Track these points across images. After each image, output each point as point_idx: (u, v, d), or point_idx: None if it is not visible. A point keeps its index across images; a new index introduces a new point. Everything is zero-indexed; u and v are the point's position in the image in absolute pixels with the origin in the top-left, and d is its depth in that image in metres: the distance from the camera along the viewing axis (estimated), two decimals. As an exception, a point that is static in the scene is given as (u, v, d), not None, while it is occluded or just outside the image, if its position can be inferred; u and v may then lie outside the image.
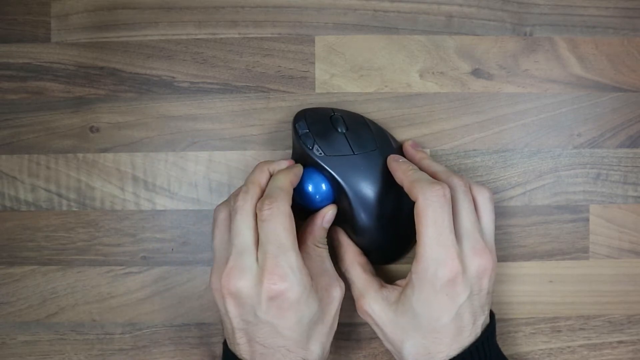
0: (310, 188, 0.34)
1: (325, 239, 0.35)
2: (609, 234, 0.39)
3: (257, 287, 0.30)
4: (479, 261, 0.31)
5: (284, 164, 0.35)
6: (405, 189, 0.32)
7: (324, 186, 0.34)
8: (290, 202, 0.31)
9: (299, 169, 0.34)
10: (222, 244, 0.33)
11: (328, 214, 0.35)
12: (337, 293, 0.33)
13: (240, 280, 0.30)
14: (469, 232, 0.32)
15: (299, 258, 0.31)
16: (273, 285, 0.30)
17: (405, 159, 0.35)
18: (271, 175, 0.33)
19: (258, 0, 0.38)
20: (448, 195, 0.31)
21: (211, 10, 0.38)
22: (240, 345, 0.32)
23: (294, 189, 0.33)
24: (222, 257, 0.32)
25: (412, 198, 0.31)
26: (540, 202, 0.38)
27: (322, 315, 0.32)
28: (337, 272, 0.35)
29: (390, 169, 0.34)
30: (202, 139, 0.38)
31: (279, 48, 0.38)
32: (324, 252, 0.35)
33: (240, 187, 0.33)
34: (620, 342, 0.38)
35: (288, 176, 0.33)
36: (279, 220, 0.30)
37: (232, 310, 0.31)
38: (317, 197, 0.35)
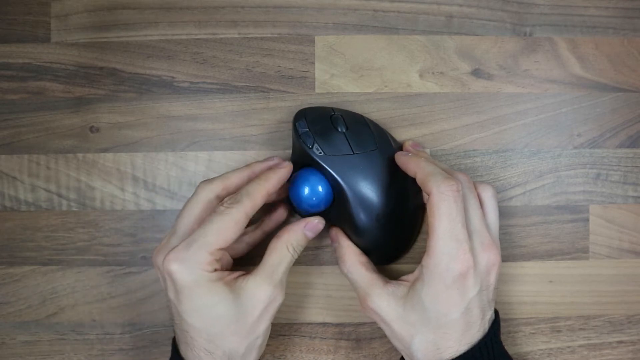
0: (306, 190, 0.34)
1: (301, 248, 0.34)
2: (609, 234, 0.38)
3: (162, 263, 0.31)
4: (488, 256, 0.32)
5: (273, 162, 0.35)
6: (418, 182, 0.32)
7: (320, 188, 0.34)
8: (249, 210, 0.31)
9: (281, 175, 0.33)
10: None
11: (313, 223, 0.34)
12: (262, 295, 0.31)
13: (158, 255, 0.32)
14: (477, 227, 0.32)
15: (208, 257, 0.30)
16: (167, 262, 0.31)
17: (413, 153, 0.35)
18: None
19: (258, 0, 0.38)
20: (461, 191, 0.31)
21: (211, 10, 0.38)
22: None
23: (292, 190, 0.34)
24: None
25: (426, 191, 0.31)
26: (540, 202, 0.38)
27: (238, 314, 0.31)
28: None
29: (399, 164, 0.34)
30: (202, 139, 0.38)
31: (279, 48, 0.38)
32: (287, 257, 0.33)
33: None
34: (620, 342, 0.38)
35: (264, 185, 0.32)
36: (223, 220, 0.31)
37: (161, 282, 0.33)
38: (314, 199, 0.34)
